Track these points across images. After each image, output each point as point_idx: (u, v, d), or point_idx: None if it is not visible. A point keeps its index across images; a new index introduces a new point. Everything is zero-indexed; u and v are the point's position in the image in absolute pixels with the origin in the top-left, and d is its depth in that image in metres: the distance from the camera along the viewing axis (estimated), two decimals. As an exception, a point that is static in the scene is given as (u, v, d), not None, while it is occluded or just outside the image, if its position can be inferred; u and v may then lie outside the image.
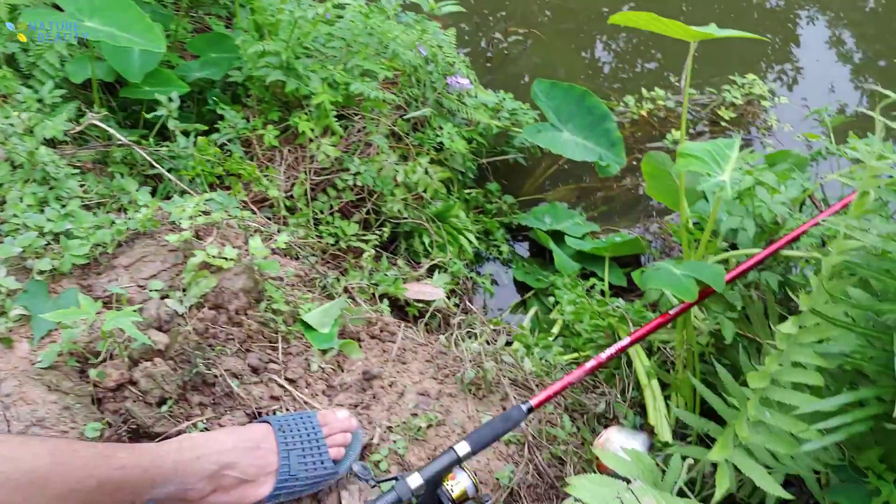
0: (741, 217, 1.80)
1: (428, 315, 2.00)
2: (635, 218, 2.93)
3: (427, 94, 2.52)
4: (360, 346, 1.76)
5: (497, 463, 1.56)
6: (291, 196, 2.11)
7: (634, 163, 3.12)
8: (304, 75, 2.02)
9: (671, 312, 1.53)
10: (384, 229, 2.20)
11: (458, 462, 1.33)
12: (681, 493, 1.33)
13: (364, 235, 2.14)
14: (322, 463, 1.37)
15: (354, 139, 2.26)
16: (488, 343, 1.87)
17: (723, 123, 3.23)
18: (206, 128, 2.08)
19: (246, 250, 1.67)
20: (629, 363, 2.00)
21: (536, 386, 1.79)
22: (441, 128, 2.49)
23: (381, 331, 1.83)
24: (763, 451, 1.32)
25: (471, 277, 2.45)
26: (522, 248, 2.86)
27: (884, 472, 1.23)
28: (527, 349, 1.99)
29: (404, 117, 2.43)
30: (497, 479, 1.51)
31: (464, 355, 1.77)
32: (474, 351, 1.79)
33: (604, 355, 1.47)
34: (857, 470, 1.27)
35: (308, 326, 1.70)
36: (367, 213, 2.23)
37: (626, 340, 1.50)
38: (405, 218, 2.29)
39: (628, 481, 1.21)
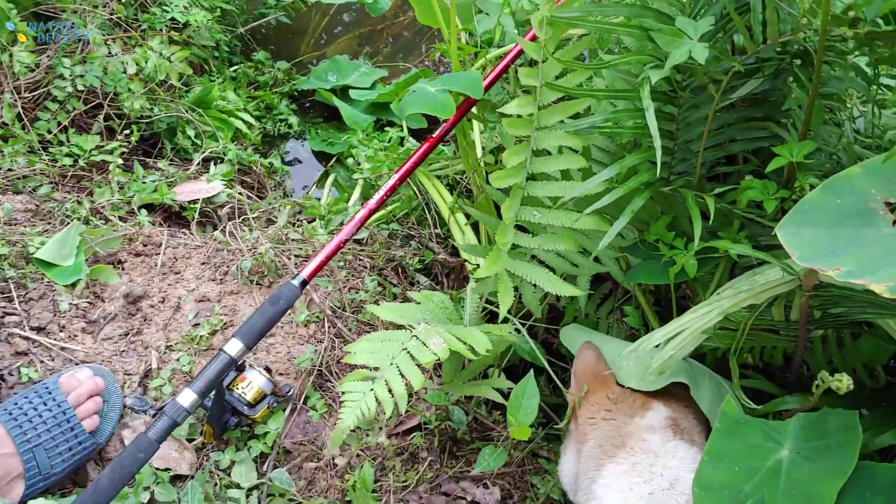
0: (496, 15, 1.62)
1: (197, 213, 1.77)
2: (422, 53, 2.73)
3: (144, -33, 2.16)
4: (122, 269, 1.52)
5: (299, 348, 1.40)
6: (5, 124, 1.78)
7: (406, -7, 2.89)
8: (-38, -25, 1.65)
9: (434, 135, 1.37)
10: (131, 134, 1.91)
11: (234, 363, 1.15)
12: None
13: (107, 146, 1.85)
14: (80, 443, 1.15)
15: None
16: (270, 224, 1.68)
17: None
18: None
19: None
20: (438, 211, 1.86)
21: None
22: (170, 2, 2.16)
23: (145, 245, 1.59)
24: (553, 256, 1.21)
25: (257, 162, 2.20)
26: (313, 117, 2.62)
27: (674, 241, 1.15)
28: (321, 219, 1.80)
29: (122, 0, 2.09)
30: (298, 364, 1.35)
31: (242, 246, 1.57)
32: (252, 238, 1.59)
33: (372, 201, 1.31)
34: (650, 245, 1.19)
35: (47, 264, 1.44)
36: (107, 119, 1.93)
37: (394, 178, 1.33)
38: (156, 115, 2.00)
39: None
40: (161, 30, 2.13)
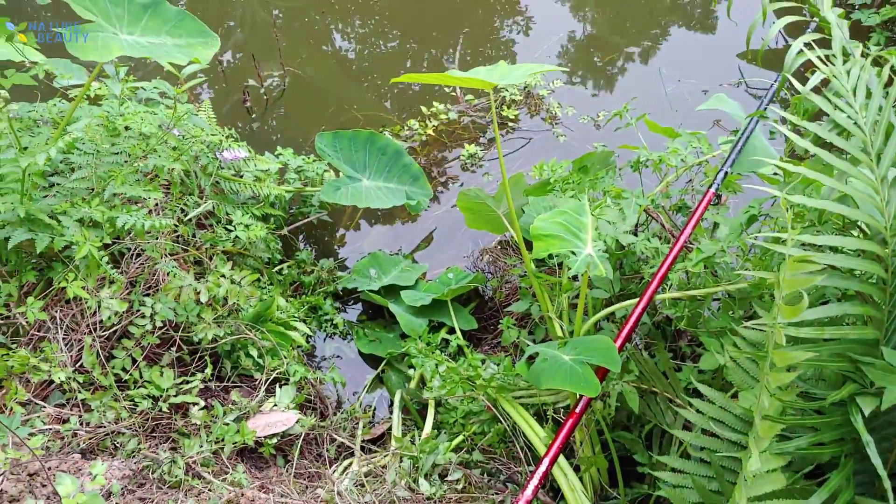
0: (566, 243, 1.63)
1: (297, 453, 1.69)
2: (458, 246, 2.75)
3: (202, 182, 2.14)
4: (230, 544, 1.43)
5: None
6: (82, 367, 1.69)
7: (439, 188, 2.93)
8: (54, 223, 1.59)
9: (577, 411, 1.35)
10: (206, 366, 1.84)
11: None
12: None
13: (184, 384, 1.77)
14: None
15: (136, 269, 1.86)
16: (375, 476, 1.60)
17: (510, 124, 3.11)
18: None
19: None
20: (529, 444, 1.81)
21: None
22: (230, 217, 2.14)
23: (249, 511, 1.50)
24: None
25: (317, 378, 2.14)
26: (355, 311, 2.58)
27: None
28: (413, 461, 1.73)
29: (186, 219, 2.05)
30: None
31: (356, 511, 1.49)
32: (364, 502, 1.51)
33: (528, 492, 1.26)
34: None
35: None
36: (177, 349, 1.86)
37: (545, 465, 1.29)
38: (223, 339, 1.93)
39: None
40: (222, 247, 2.09)
